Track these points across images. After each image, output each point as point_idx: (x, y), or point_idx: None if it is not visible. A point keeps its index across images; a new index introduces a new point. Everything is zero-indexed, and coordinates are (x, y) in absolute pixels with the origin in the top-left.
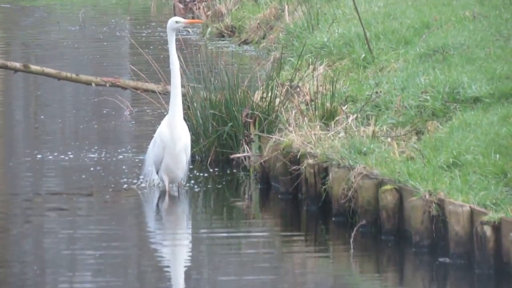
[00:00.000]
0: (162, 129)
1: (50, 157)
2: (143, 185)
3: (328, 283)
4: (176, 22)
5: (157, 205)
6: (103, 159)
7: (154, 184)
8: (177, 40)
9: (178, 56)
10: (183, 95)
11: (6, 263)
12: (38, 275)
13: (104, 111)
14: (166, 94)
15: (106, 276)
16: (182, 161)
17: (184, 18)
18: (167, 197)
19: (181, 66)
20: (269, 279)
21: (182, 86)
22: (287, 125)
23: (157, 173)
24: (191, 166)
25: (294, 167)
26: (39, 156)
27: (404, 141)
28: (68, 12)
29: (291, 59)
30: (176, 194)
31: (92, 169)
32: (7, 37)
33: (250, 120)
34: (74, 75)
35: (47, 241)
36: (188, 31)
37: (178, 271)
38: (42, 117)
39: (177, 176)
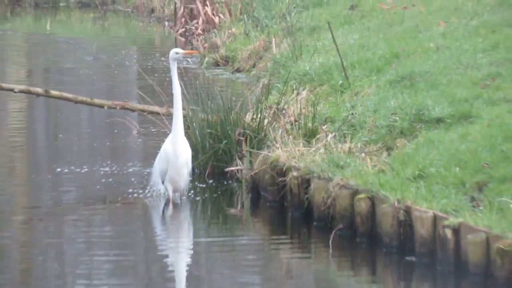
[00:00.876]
0: (166, 145)
1: (68, 170)
2: (150, 194)
3: (310, 279)
4: (176, 53)
5: (163, 211)
6: (114, 172)
7: (160, 193)
8: (178, 68)
9: (180, 83)
10: (184, 116)
11: (29, 264)
12: (59, 277)
13: (115, 131)
14: (169, 116)
15: (119, 276)
16: (184, 173)
17: (184, 49)
18: (171, 205)
19: (182, 91)
20: (258, 277)
21: (183, 108)
22: (274, 142)
23: (163, 183)
24: (191, 178)
25: (281, 179)
26: (58, 169)
27: (376, 156)
28: (83, 43)
29: (277, 85)
30: (178, 202)
31: (104, 180)
32: (30, 64)
33: (242, 138)
34: (89, 99)
35: (66, 246)
36: (188, 61)
37: (180, 270)
38: (61, 135)
39: (179, 186)
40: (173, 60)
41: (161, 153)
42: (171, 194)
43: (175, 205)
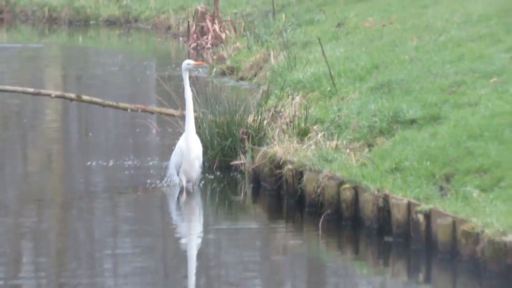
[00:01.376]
0: (181, 142)
1: (96, 163)
2: (167, 184)
3: (302, 257)
4: (188, 64)
5: (177, 198)
6: (136, 165)
7: (175, 183)
8: (190, 77)
9: (192, 89)
10: (196, 118)
11: (63, 244)
12: (89, 254)
13: (137, 130)
14: (183, 117)
15: (139, 254)
16: (195, 165)
17: (195, 61)
18: (184, 193)
19: (193, 97)
20: (258, 254)
21: (195, 111)
22: (273, 140)
23: (178, 174)
24: (202, 170)
25: (278, 171)
26: (88, 163)
27: (359, 152)
28: (110, 55)
29: (275, 91)
30: (191, 190)
31: (127, 172)
32: (65, 73)
33: (245, 136)
34: (114, 103)
35: (94, 229)
36: (199, 70)
37: (192, 249)
38: (90, 134)
39: (192, 177)
40: (185, 70)
41: (176, 148)
42: (184, 184)
43: (188, 193)
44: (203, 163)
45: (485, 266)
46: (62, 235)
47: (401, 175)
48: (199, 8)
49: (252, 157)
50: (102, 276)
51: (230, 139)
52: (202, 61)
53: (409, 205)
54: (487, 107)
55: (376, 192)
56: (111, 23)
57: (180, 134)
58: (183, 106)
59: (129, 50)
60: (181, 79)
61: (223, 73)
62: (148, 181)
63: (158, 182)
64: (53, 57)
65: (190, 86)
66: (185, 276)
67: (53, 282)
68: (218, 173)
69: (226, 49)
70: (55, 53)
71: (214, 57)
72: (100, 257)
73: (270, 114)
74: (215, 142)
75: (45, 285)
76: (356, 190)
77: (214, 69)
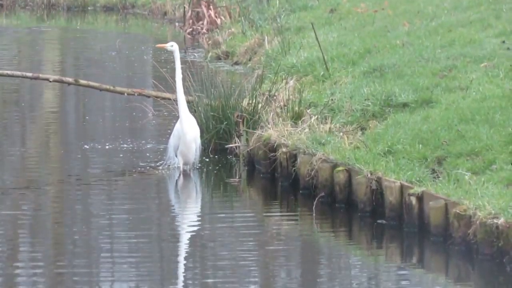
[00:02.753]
0: (177, 125)
1: (93, 146)
2: (166, 166)
3: (296, 239)
4: (171, 45)
5: (176, 182)
6: (132, 148)
7: (174, 165)
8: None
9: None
10: (191, 102)
11: (61, 224)
12: (85, 233)
13: (133, 113)
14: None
15: (137, 230)
16: (192, 148)
17: (192, 46)
18: (181, 175)
19: (189, 81)
20: (253, 235)
21: (190, 95)
22: (267, 123)
23: (176, 156)
24: (200, 153)
25: (272, 154)
26: (85, 146)
27: (352, 135)
28: (108, 40)
29: (269, 75)
30: (188, 172)
31: (123, 155)
32: (63, 57)
33: (240, 120)
34: (111, 87)
35: (92, 209)
36: (194, 55)
37: (188, 228)
38: (87, 117)
39: (189, 159)
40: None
41: (174, 131)
42: (181, 166)
43: (186, 175)
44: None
45: (477, 248)
46: (57, 217)
47: (393, 158)
48: None
49: (247, 140)
50: (98, 258)
51: (225, 123)
52: (199, 46)
53: (401, 187)
54: (478, 91)
55: (369, 175)
56: (109, 9)
57: (176, 117)
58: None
59: (126, 35)
60: None
61: (218, 58)
62: (145, 163)
63: (154, 164)
64: (51, 41)
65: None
66: (181, 259)
67: (49, 262)
68: (214, 156)
69: (221, 34)
70: (53, 37)
71: (210, 42)
72: (96, 240)
73: (265, 98)
74: (210, 125)
75: (41, 268)
76: (349, 172)
77: (210, 54)
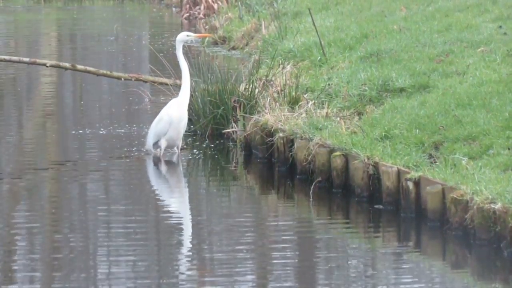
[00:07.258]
0: (171, 110)
1: (90, 131)
2: (146, 153)
3: (293, 224)
4: (187, 35)
5: (173, 166)
6: (132, 133)
7: (151, 151)
8: (184, 47)
9: (185, 59)
10: None
11: (56, 205)
12: (81, 215)
13: (130, 98)
14: (176, 86)
15: (131, 215)
16: (182, 133)
17: (188, 31)
18: (162, 160)
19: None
20: (250, 220)
21: None
22: (264, 108)
23: (157, 142)
24: (194, 137)
25: (269, 139)
26: (81, 130)
27: (349, 120)
28: (106, 25)
29: (266, 60)
30: (175, 156)
31: (120, 140)
32: (59, 43)
33: (237, 105)
34: (108, 72)
35: (88, 193)
36: (192, 40)
37: (186, 212)
38: (82, 102)
39: (176, 144)
40: (180, 42)
41: (164, 116)
42: (163, 149)
43: (171, 162)
44: (195, 131)
45: (474, 234)
46: (55, 202)
47: (390, 143)
48: None
49: (244, 125)
50: (95, 240)
51: (222, 108)
52: (195, 31)
53: (398, 172)
54: (475, 76)
55: (366, 160)
56: None
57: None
58: (176, 75)
59: (124, 20)
60: (174, 48)
61: (215, 43)
62: (142, 148)
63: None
64: (48, 26)
65: (184, 55)
66: (178, 242)
67: (46, 244)
68: (211, 141)
69: (218, 19)
70: (50, 22)
71: (207, 27)
72: (92, 223)
73: (262, 83)
74: (207, 110)
75: (38, 245)
76: (346, 157)
77: (207, 39)
